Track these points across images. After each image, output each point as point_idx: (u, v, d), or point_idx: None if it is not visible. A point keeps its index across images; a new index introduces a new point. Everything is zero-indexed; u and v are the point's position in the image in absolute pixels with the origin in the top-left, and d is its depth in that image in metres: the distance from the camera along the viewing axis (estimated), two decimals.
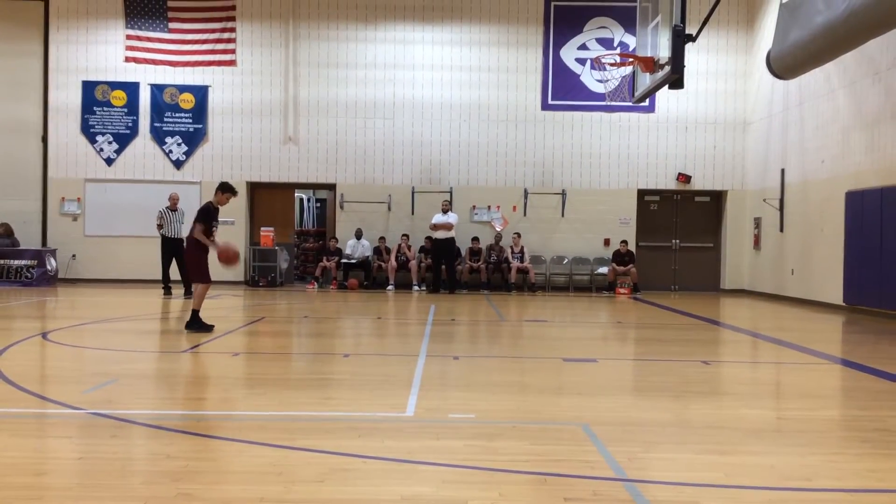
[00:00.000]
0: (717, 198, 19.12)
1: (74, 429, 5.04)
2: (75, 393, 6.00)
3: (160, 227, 15.41)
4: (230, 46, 18.64)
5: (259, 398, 6.06)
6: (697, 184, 18.83)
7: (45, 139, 18.68)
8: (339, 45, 18.71)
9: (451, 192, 18.51)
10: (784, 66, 12.15)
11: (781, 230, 16.74)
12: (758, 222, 18.02)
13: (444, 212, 17.57)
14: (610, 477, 4.08)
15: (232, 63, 18.67)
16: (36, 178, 18.73)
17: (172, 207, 15.46)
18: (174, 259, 15.32)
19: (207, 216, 9.62)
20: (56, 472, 4.12)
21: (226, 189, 9.82)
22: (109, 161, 18.63)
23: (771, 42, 12.75)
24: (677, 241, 19.10)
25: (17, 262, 17.43)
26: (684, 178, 18.70)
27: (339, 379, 6.99)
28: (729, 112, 18.79)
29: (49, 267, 17.64)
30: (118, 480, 3.95)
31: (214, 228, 9.70)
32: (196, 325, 9.57)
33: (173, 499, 3.65)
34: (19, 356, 7.79)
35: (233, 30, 18.63)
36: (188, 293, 14.46)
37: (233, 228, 17.87)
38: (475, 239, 18.18)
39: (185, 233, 14.37)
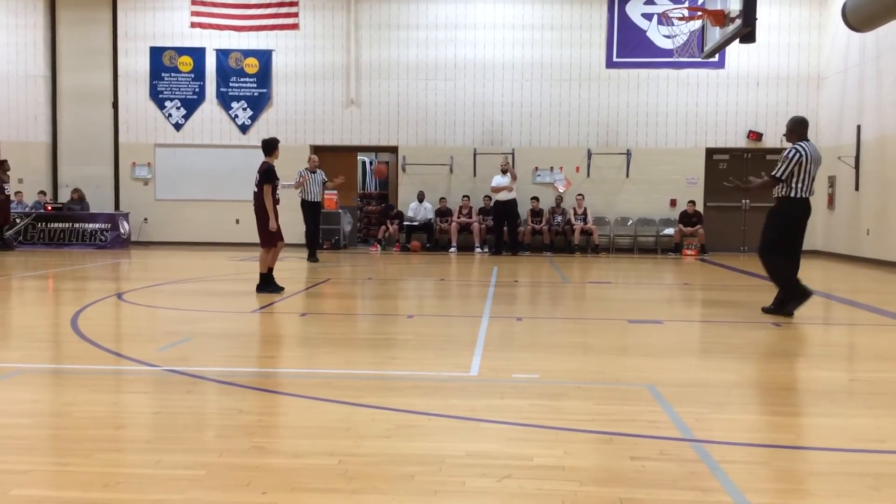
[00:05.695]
0: None
1: (150, 385, 5.21)
2: (150, 351, 6.20)
3: (298, 187, 14.60)
4: (293, 10, 18.72)
5: (326, 357, 6.17)
6: (769, 142, 18.27)
7: (115, 105, 19.14)
8: (399, 6, 18.61)
9: (513, 154, 18.37)
10: (860, 17, 11.67)
11: (857, 189, 16.17)
12: (832, 181, 17.44)
13: (504, 172, 17.41)
14: (677, 437, 4.04)
15: (295, 27, 18.76)
16: (108, 144, 19.25)
17: (312, 169, 14.82)
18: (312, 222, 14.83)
19: (274, 175, 9.65)
20: (134, 425, 4.27)
21: (276, 143, 9.81)
22: (178, 126, 19.01)
23: None
24: (747, 200, 18.63)
25: (91, 226, 18.02)
26: (755, 135, 18.16)
27: (403, 339, 7.07)
28: (802, 66, 18.12)
29: (122, 230, 18.20)
30: (193, 434, 4.08)
31: (278, 191, 9.79)
32: (267, 286, 9.76)
33: (246, 451, 3.75)
34: (96, 316, 8.07)
35: None
36: (312, 257, 14.61)
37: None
38: (534, 199, 18.04)
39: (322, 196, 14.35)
